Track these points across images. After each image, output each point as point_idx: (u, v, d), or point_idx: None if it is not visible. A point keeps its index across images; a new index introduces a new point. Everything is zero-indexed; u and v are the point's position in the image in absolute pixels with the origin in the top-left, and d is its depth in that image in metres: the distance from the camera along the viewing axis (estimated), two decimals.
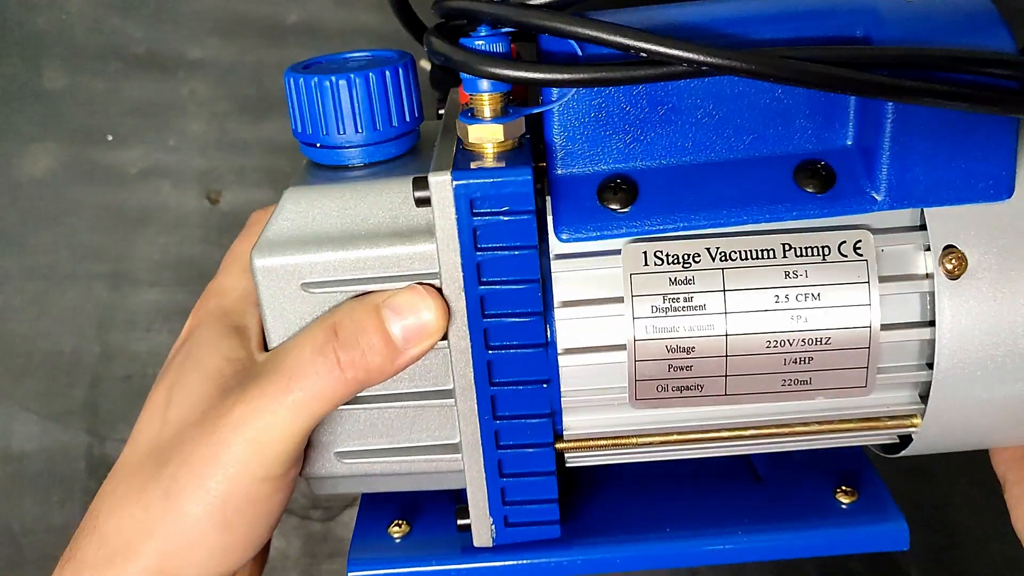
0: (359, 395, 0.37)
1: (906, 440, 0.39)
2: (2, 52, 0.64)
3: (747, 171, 0.36)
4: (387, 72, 0.36)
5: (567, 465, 0.40)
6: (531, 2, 0.34)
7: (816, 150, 0.36)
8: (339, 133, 0.37)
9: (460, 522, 0.39)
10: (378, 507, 0.42)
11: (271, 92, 0.67)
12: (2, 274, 0.64)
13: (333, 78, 0.36)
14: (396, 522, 0.41)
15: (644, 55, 0.32)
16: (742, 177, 0.36)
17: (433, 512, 0.41)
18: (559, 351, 0.36)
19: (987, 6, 0.34)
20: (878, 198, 0.35)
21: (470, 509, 0.38)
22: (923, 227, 0.35)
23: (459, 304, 0.35)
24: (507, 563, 0.39)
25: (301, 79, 0.37)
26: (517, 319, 0.35)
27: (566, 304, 0.36)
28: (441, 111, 0.44)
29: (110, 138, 0.65)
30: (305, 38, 0.66)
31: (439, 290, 0.35)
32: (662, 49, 0.31)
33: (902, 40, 0.34)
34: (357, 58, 0.39)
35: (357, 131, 0.37)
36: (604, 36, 0.32)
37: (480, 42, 0.34)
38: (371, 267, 0.35)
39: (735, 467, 0.43)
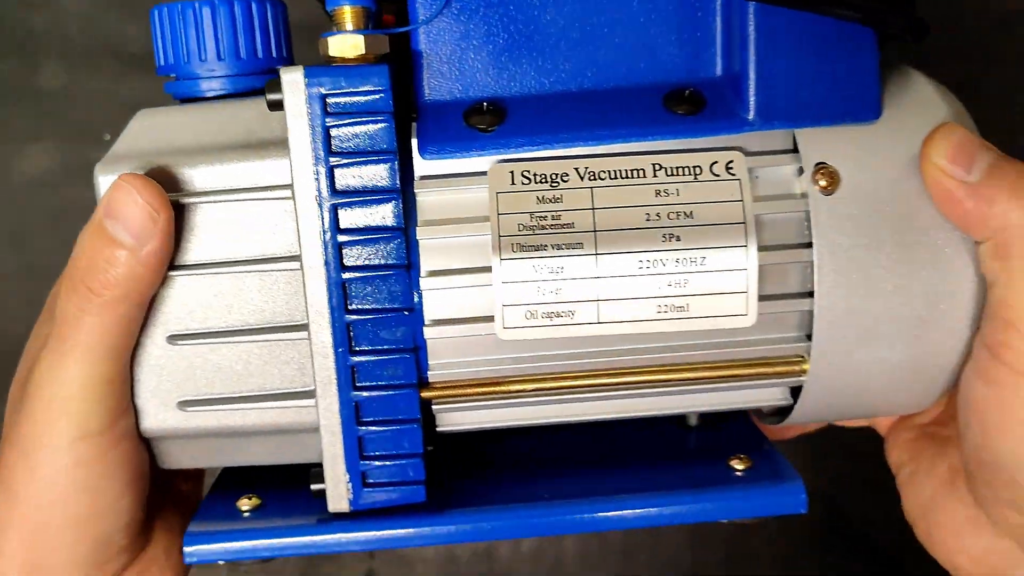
0: (206, 331, 0.34)
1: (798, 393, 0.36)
2: None
3: (617, 98, 0.35)
4: (252, 5, 0.36)
5: (438, 429, 0.37)
6: None
7: (686, 80, 0.36)
8: (200, 60, 0.36)
9: (314, 487, 0.35)
10: (231, 484, 0.38)
11: None
12: None
13: (196, 5, 0.35)
14: (246, 495, 0.37)
15: None
16: (612, 103, 0.35)
17: (290, 486, 0.37)
18: (422, 274, 0.34)
19: None
20: (748, 119, 0.34)
21: (324, 464, 0.34)
22: (795, 150, 0.35)
23: (312, 220, 0.33)
24: (364, 535, 0.35)
25: (165, 8, 0.36)
26: (375, 236, 0.33)
27: (429, 223, 0.34)
28: None
29: (107, 137, 0.64)
30: (304, 37, 0.68)
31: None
32: None
33: None
34: None
35: (220, 58, 0.36)
36: None
37: None
38: (222, 181, 0.33)
39: (626, 445, 0.40)
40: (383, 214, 0.33)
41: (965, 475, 0.36)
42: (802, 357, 0.35)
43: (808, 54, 0.34)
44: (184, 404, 0.35)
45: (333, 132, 0.32)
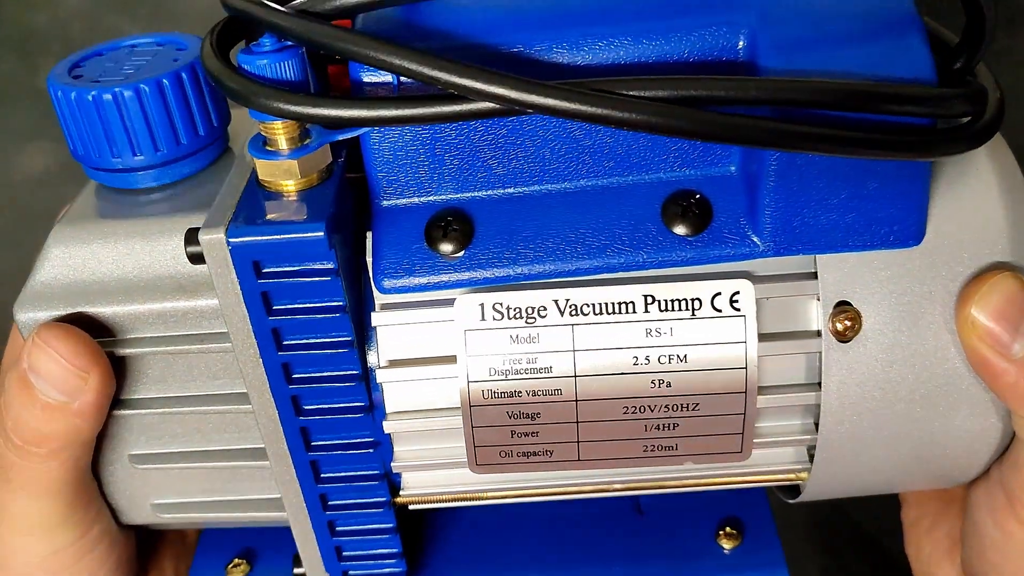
0: (167, 453, 0.33)
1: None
2: None
3: (607, 204, 0.30)
4: (164, 81, 0.29)
5: (410, 509, 0.36)
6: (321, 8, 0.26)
7: (693, 176, 0.30)
8: (114, 156, 0.30)
9: (296, 571, 0.35)
10: (220, 542, 0.38)
11: None
12: None
13: (95, 92, 0.29)
14: (235, 562, 0.37)
15: (449, 90, 0.25)
16: (600, 212, 0.29)
17: (277, 551, 0.37)
18: (387, 414, 0.31)
19: (904, 10, 0.27)
20: (760, 245, 0.29)
21: (304, 566, 0.34)
22: (815, 275, 0.29)
23: (258, 371, 0.29)
24: None
25: (60, 91, 0.30)
26: (332, 384, 0.30)
27: (393, 364, 0.30)
28: None
29: None
30: None
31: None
32: (466, 83, 0.25)
33: (790, 68, 0.26)
34: (142, 47, 0.32)
35: (135, 154, 0.30)
36: (394, 62, 0.25)
37: (263, 61, 0.27)
38: (151, 325, 0.30)
39: (616, 501, 0.39)
40: (339, 362, 0.30)
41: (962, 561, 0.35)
42: (801, 472, 0.33)
43: (844, 167, 0.28)
44: (157, 508, 0.34)
45: (271, 293, 0.28)
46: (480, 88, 0.25)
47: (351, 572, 0.35)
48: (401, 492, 0.33)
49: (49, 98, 0.56)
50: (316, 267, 0.28)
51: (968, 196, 0.29)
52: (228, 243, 0.27)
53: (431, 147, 0.29)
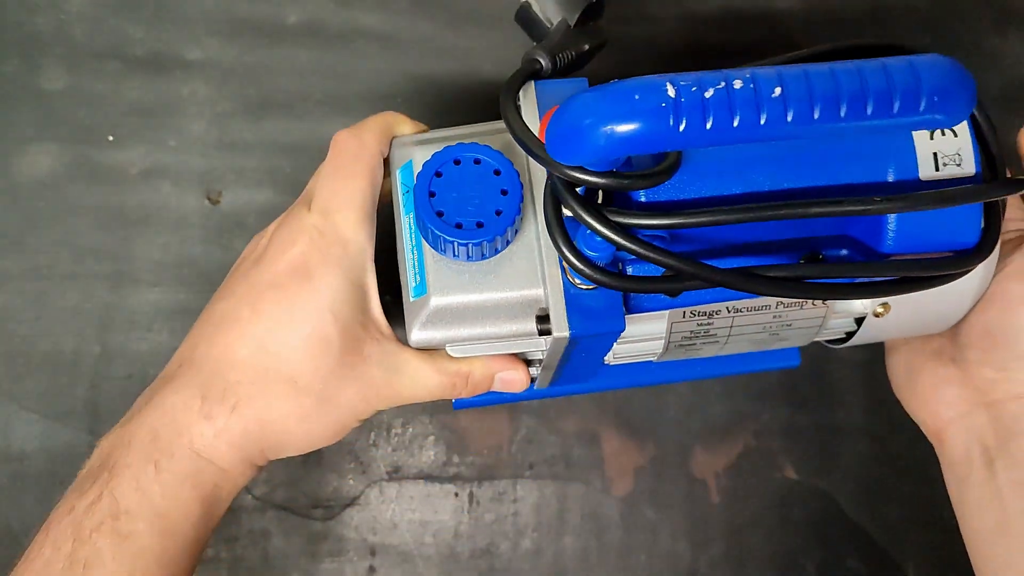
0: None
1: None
2: (1, 52, 0.63)
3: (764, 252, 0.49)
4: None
5: None
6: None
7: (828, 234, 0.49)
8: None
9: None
10: None
11: (271, 92, 0.66)
12: (2, 274, 0.64)
13: (464, 243, 0.45)
14: None
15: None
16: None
17: None
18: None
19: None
20: None
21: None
22: None
23: None
24: None
25: (443, 242, 0.45)
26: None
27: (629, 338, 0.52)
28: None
29: (110, 138, 0.64)
30: (305, 39, 0.64)
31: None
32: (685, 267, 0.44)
33: None
34: (466, 162, 0.45)
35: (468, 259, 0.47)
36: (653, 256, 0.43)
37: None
38: (500, 339, 0.50)
39: None
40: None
41: (953, 347, 0.54)
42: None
43: None
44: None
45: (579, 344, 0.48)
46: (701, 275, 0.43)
47: None
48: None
49: (52, 100, 0.65)
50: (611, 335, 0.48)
51: None
52: (568, 333, 0.47)
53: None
